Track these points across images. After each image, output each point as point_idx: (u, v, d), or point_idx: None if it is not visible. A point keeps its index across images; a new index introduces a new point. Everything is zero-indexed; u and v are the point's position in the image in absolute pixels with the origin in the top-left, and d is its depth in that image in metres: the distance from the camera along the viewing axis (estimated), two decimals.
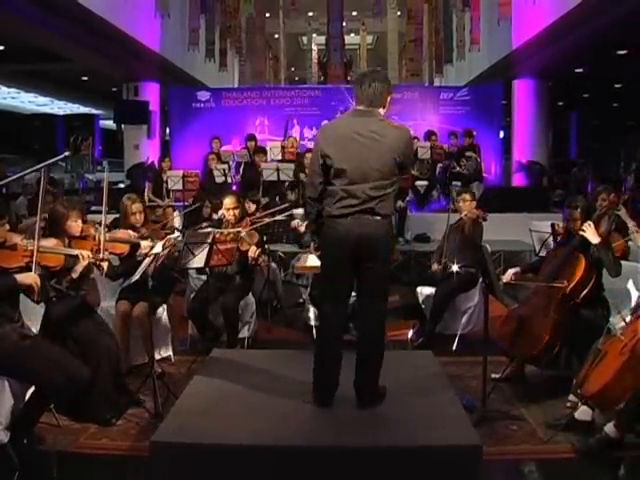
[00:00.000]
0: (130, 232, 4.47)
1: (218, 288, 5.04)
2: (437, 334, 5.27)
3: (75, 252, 3.71)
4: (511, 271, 4.56)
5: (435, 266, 5.48)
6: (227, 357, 4.34)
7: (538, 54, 11.35)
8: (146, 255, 4.16)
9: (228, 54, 14.20)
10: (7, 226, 3.46)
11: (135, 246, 4.33)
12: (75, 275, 3.73)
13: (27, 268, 3.39)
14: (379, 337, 3.45)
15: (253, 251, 5.03)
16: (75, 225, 3.99)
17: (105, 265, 3.84)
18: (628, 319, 3.62)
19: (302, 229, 6.18)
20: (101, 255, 3.81)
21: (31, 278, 3.32)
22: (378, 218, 3.29)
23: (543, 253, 5.03)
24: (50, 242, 3.75)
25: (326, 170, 3.30)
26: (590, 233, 4.07)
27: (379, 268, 3.34)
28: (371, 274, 3.35)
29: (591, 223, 4.10)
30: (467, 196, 5.50)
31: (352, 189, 3.25)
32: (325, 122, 3.57)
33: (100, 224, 4.07)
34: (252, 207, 5.95)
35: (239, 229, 5.05)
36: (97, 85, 18.01)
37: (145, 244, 4.33)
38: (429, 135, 10.51)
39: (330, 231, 3.32)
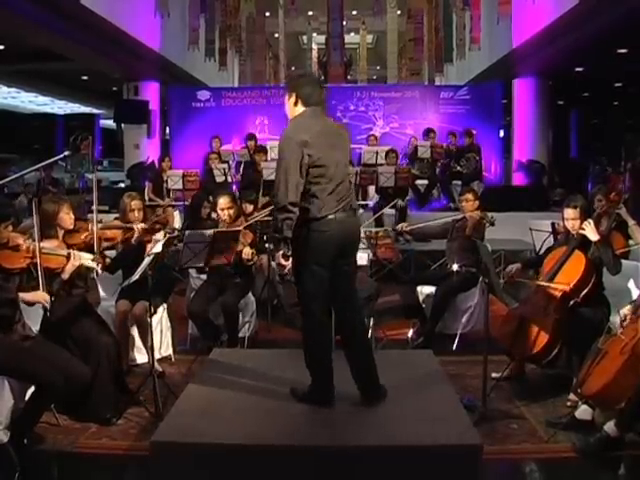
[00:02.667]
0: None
1: (218, 287, 5.04)
2: (437, 333, 5.26)
3: (66, 252, 3.71)
4: (512, 267, 4.55)
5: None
6: (227, 356, 4.34)
7: (538, 53, 11.35)
8: (142, 240, 4.26)
9: (228, 53, 14.20)
10: (11, 227, 3.47)
11: (129, 232, 4.34)
12: (65, 276, 3.69)
13: (28, 269, 3.41)
14: (365, 329, 3.61)
15: (247, 252, 5.01)
16: (67, 217, 3.98)
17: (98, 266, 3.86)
18: (622, 312, 3.62)
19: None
20: (96, 251, 3.85)
21: (39, 297, 3.35)
22: (355, 214, 3.44)
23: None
24: (52, 243, 3.75)
25: (306, 171, 3.26)
26: (590, 231, 4.07)
27: (354, 264, 3.52)
28: (348, 275, 3.46)
29: (591, 221, 4.10)
30: (470, 196, 5.49)
31: (333, 187, 3.30)
32: (294, 125, 3.42)
33: (99, 222, 4.12)
34: (249, 208, 5.93)
35: (239, 228, 5.04)
36: (97, 85, 18.00)
37: (140, 226, 4.36)
38: (427, 133, 10.49)
39: (318, 234, 3.27)
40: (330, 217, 3.27)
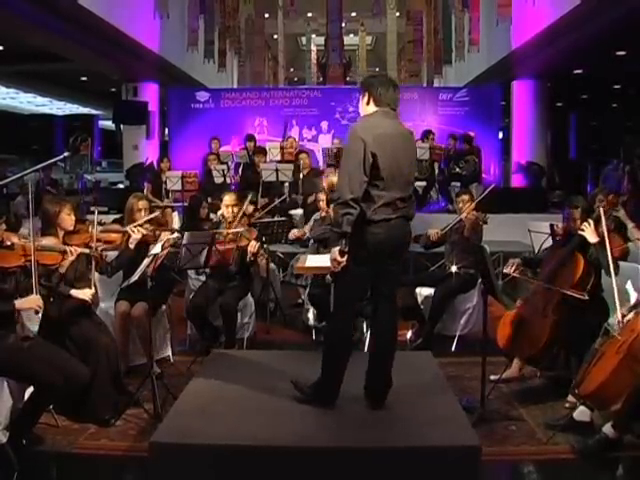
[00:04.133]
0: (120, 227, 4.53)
1: (217, 289, 5.04)
2: (436, 335, 5.27)
3: (64, 248, 3.73)
4: (513, 261, 4.53)
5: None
6: (226, 357, 4.34)
7: (537, 55, 11.35)
8: (142, 242, 4.28)
9: (227, 55, 14.20)
10: (4, 225, 3.47)
11: (127, 236, 4.36)
12: (62, 270, 3.74)
13: (25, 267, 3.41)
14: (396, 333, 3.56)
15: (252, 245, 5.03)
16: (68, 218, 4.00)
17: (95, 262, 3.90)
18: (626, 317, 3.62)
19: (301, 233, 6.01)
20: (94, 247, 3.87)
21: (32, 302, 3.34)
22: (408, 222, 3.41)
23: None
24: (48, 240, 3.76)
25: (369, 171, 3.21)
26: (589, 232, 4.08)
27: (399, 269, 3.49)
28: (393, 275, 3.45)
29: (591, 222, 4.11)
30: (465, 197, 5.49)
31: (390, 195, 3.25)
32: (362, 122, 3.36)
33: (99, 223, 4.13)
34: (250, 208, 5.95)
35: (238, 229, 5.04)
36: (96, 85, 18.01)
37: (137, 229, 4.38)
38: (426, 135, 10.47)
39: (369, 237, 3.24)
40: (384, 222, 3.24)
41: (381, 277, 3.38)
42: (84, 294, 3.84)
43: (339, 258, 3.18)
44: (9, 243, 3.43)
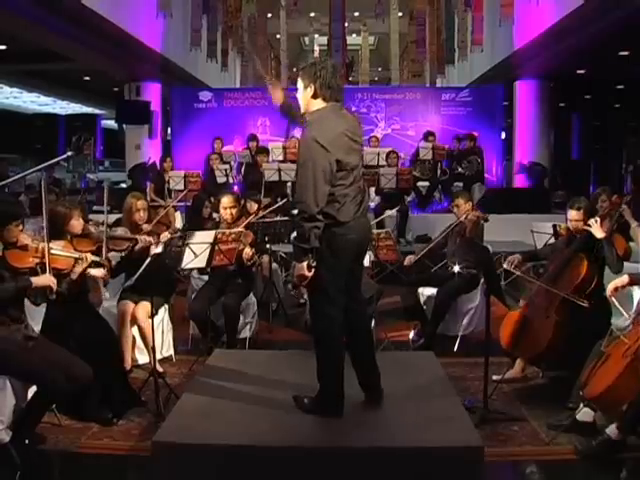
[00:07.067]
0: (127, 231, 4.54)
1: (219, 288, 5.04)
2: (438, 335, 5.27)
3: (76, 255, 3.74)
4: (513, 257, 4.52)
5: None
6: (228, 357, 4.34)
7: (540, 55, 11.34)
8: (145, 249, 4.29)
9: (230, 54, 14.21)
10: (21, 226, 3.49)
11: (134, 242, 4.36)
12: (74, 277, 3.74)
13: (36, 269, 3.43)
14: (370, 327, 3.60)
15: (247, 253, 5.01)
16: (77, 224, 4.02)
17: (103, 267, 3.89)
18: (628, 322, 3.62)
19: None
20: (103, 255, 3.87)
21: (47, 279, 3.39)
22: (367, 216, 3.41)
23: None
24: (60, 244, 3.77)
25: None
26: (595, 228, 4.09)
27: (362, 269, 3.50)
28: (360, 271, 3.45)
29: (598, 219, 4.12)
30: (460, 200, 5.45)
31: (355, 192, 3.22)
32: (316, 125, 3.14)
33: (102, 224, 4.14)
34: (254, 207, 5.94)
35: (241, 229, 5.04)
36: (99, 85, 18.00)
37: (144, 237, 4.39)
38: (427, 135, 10.47)
39: (341, 238, 3.16)
40: (352, 222, 3.18)
41: (348, 278, 3.31)
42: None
43: (307, 273, 3.09)
44: (23, 244, 3.45)
